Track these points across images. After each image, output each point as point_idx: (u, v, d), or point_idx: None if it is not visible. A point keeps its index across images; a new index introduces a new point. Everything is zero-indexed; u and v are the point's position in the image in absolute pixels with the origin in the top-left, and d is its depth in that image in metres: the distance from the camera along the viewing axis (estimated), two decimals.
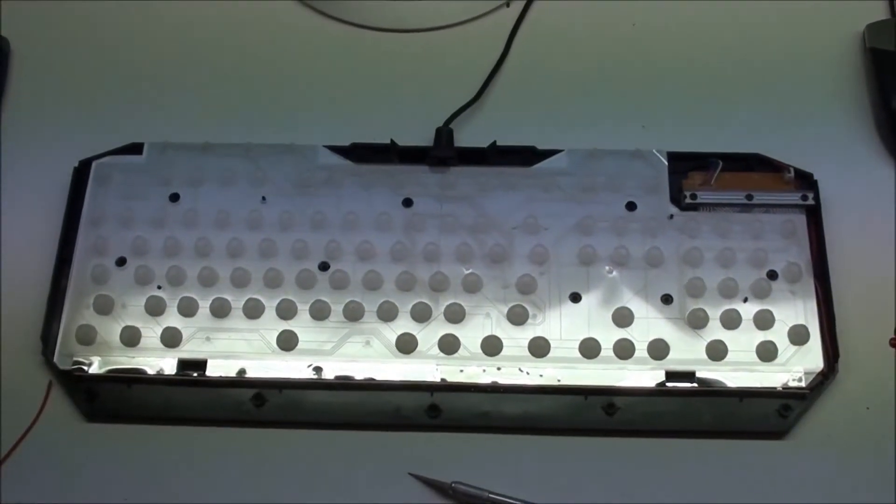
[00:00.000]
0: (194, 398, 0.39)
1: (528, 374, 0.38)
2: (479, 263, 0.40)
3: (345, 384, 0.38)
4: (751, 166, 0.42)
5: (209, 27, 0.48)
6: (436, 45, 0.47)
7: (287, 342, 0.39)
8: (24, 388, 0.39)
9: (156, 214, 0.41)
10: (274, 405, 0.39)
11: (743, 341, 0.38)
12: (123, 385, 0.38)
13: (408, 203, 0.41)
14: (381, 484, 0.38)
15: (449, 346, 0.39)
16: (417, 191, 0.41)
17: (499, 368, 0.38)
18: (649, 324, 0.39)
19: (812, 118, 0.45)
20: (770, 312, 0.39)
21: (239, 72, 0.46)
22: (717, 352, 0.38)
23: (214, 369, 0.38)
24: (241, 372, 0.38)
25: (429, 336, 0.39)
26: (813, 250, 0.40)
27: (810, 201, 0.41)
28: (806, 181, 0.41)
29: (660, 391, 0.38)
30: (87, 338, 0.39)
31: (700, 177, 0.41)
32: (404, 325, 0.39)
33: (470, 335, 0.39)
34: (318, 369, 0.39)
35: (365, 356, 0.39)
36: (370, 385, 0.38)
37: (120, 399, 0.39)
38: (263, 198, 0.41)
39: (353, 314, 0.39)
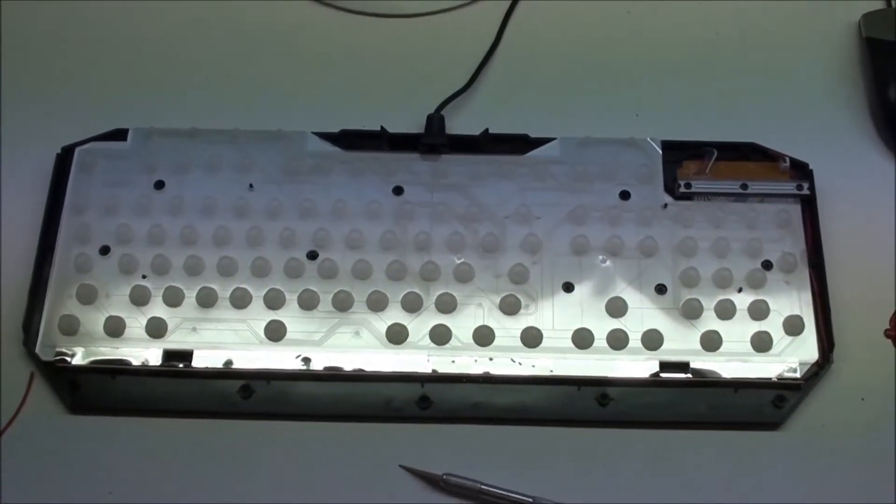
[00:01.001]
0: (180, 390, 0.38)
1: (520, 364, 0.38)
2: (470, 253, 0.40)
3: (334, 375, 0.38)
4: (746, 155, 0.41)
5: (197, 12, 0.47)
6: (427, 30, 0.46)
7: (275, 333, 0.38)
8: (5, 380, 0.39)
9: (141, 202, 0.40)
10: (261, 397, 0.38)
11: (737, 332, 0.38)
12: (107, 376, 0.38)
13: (398, 191, 0.41)
14: (371, 476, 0.38)
15: (440, 336, 0.38)
16: (408, 178, 0.41)
17: (491, 359, 0.38)
18: (643, 314, 0.39)
19: (808, 107, 0.44)
20: (765, 303, 0.39)
21: (226, 56, 0.46)
22: (711, 342, 0.38)
23: (200, 360, 0.38)
24: (228, 363, 0.38)
25: (420, 326, 0.38)
26: (808, 240, 0.40)
27: (805, 191, 0.40)
28: (801, 171, 0.41)
29: (653, 382, 0.38)
30: (70, 328, 0.38)
31: (695, 166, 0.41)
32: (395, 315, 0.39)
33: (462, 325, 0.38)
34: (306, 360, 0.38)
35: (354, 347, 0.38)
36: (360, 376, 0.38)
37: (104, 390, 0.38)
38: (251, 185, 0.41)
39: (343, 304, 0.39)
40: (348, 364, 0.38)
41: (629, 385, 0.38)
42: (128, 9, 0.47)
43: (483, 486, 0.37)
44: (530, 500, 0.37)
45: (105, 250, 0.40)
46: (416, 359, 0.38)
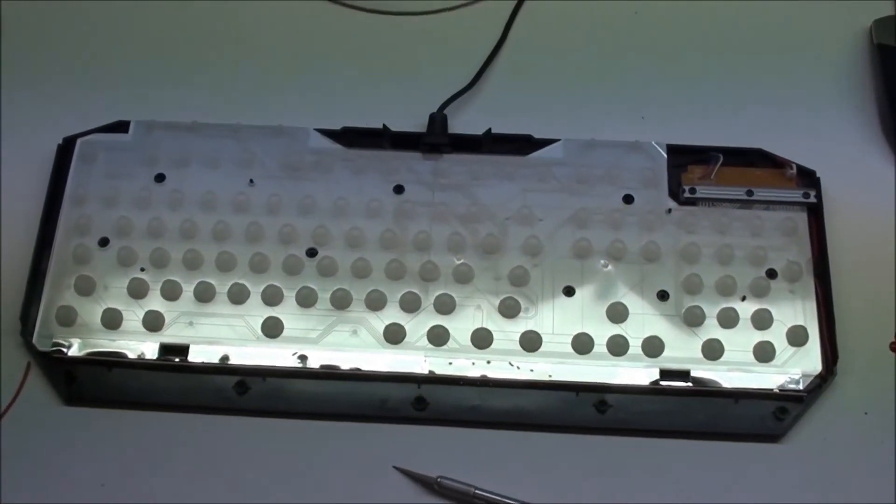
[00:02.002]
0: (175, 384, 0.38)
1: (518, 368, 0.38)
2: (470, 253, 0.39)
3: (330, 374, 0.38)
4: (752, 161, 0.41)
5: (202, 5, 0.47)
6: (432, 28, 0.46)
7: (272, 329, 0.38)
8: (1, 369, 0.39)
9: (141, 194, 0.40)
10: (257, 393, 0.38)
11: (740, 341, 0.38)
12: (103, 368, 0.38)
13: (399, 190, 0.40)
14: (364, 477, 0.37)
15: (438, 337, 0.38)
16: (409, 177, 0.41)
17: (488, 362, 0.38)
18: (644, 320, 0.38)
19: (816, 114, 0.44)
20: (768, 312, 0.38)
21: (229, 51, 0.46)
22: (713, 351, 0.38)
23: (197, 355, 0.38)
24: (224, 358, 0.38)
25: (417, 327, 0.38)
26: (814, 249, 0.39)
27: (812, 199, 0.40)
28: (808, 178, 0.41)
29: (653, 389, 0.37)
30: (68, 319, 0.38)
31: (700, 171, 0.41)
32: (393, 314, 0.38)
33: (460, 327, 0.38)
34: (303, 358, 0.38)
35: (351, 345, 0.38)
36: (356, 375, 0.38)
37: (99, 383, 0.38)
38: (251, 180, 0.41)
39: (341, 302, 0.38)
40: (345, 363, 0.38)
41: (628, 392, 0.37)
42: (134, 3, 0.47)
43: (477, 491, 0.37)
44: None
45: (104, 242, 0.40)
46: (413, 359, 0.38)
